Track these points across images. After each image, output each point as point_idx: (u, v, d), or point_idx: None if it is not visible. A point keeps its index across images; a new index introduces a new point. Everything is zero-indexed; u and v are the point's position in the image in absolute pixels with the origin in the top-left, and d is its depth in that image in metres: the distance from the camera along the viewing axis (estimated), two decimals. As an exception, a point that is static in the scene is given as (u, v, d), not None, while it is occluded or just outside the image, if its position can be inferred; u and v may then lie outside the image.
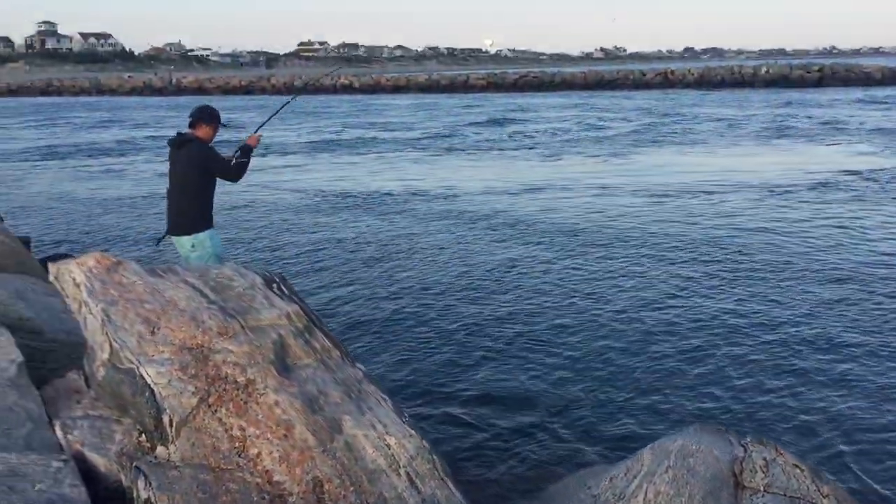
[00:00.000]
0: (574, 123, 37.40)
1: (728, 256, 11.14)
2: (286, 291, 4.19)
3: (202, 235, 6.97)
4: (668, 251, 11.59)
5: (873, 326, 8.08)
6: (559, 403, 6.44)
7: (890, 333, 7.87)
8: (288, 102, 9.17)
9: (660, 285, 9.81)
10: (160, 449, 3.40)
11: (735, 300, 9.09)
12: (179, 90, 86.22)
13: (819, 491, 3.29)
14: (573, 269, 10.74)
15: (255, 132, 7.56)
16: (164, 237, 7.48)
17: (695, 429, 3.69)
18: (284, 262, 11.57)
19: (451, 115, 45.26)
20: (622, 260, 11.16)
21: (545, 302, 9.22)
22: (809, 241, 12.00)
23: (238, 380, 3.51)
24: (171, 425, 3.36)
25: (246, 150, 7.11)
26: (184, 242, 7.01)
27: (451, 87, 78.39)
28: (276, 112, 8.86)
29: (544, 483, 4.42)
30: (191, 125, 7.03)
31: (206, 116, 7.01)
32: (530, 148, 27.83)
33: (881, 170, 19.36)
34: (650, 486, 3.24)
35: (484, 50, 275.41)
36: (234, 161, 7.09)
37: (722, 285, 9.75)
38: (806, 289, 9.48)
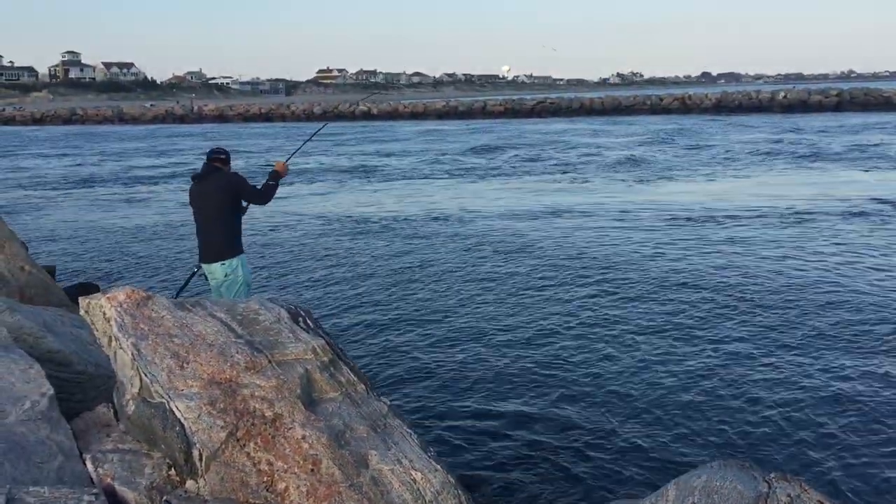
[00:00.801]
0: (593, 149, 37.46)
1: (750, 289, 11.09)
2: (311, 325, 4.25)
3: (234, 262, 7.19)
4: (690, 280, 11.56)
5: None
6: (580, 437, 6.43)
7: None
8: (320, 129, 9.56)
9: (680, 315, 9.79)
10: (190, 483, 3.46)
11: (761, 336, 9.02)
12: (201, 118, 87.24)
13: (845, 527, 3.29)
14: (590, 297, 10.74)
15: (286, 160, 7.85)
16: (195, 273, 7.70)
17: (719, 464, 3.70)
18: (306, 287, 11.67)
19: (468, 142, 45.45)
20: (639, 288, 11.15)
21: (563, 332, 9.23)
22: (831, 272, 11.93)
23: (266, 414, 3.56)
24: (200, 459, 3.41)
25: (275, 176, 7.42)
26: (216, 270, 7.19)
27: (469, 114, 78.75)
28: (310, 138, 9.31)
29: (568, 517, 4.42)
30: (213, 161, 7.29)
31: (228, 156, 7.37)
32: (550, 173, 27.90)
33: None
34: (675, 523, 3.25)
35: (501, 76, 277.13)
36: (262, 185, 7.38)
37: (742, 318, 9.71)
38: (825, 323, 9.43)
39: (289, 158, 8.08)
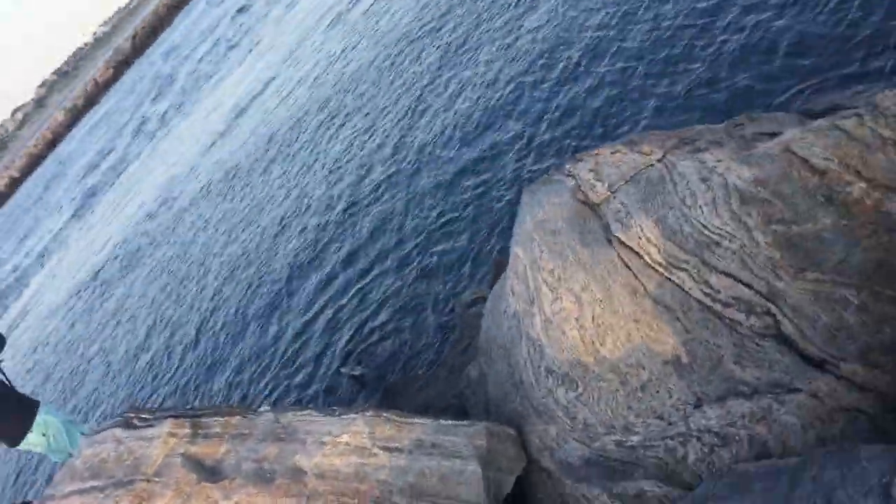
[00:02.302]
0: None
1: None
2: (150, 416, 3.94)
3: (40, 420, 6.47)
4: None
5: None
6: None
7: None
8: None
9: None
10: None
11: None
12: None
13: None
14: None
15: None
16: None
17: (527, 194, 3.74)
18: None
19: None
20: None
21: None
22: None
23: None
24: None
25: None
26: (32, 441, 6.45)
27: None
28: None
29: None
30: None
31: None
32: None
33: None
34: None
35: None
36: None
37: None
38: None
39: None
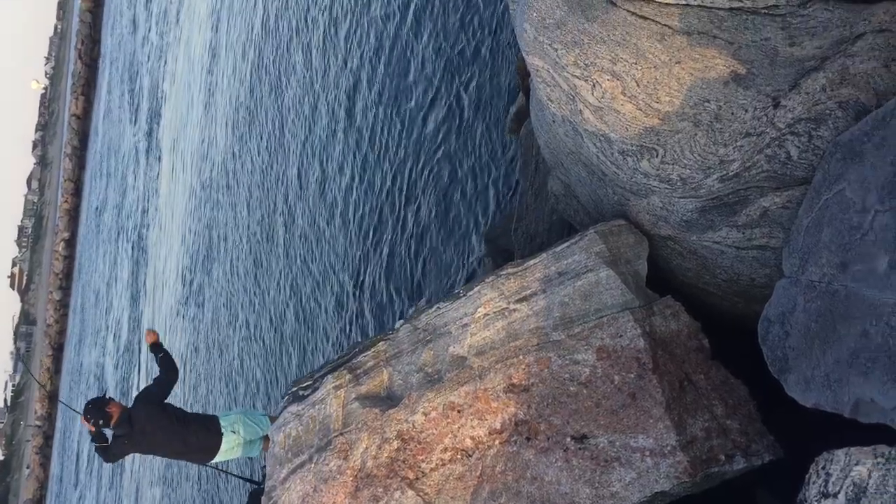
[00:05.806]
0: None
1: None
2: (310, 382, 4.14)
3: (224, 423, 6.87)
4: None
5: None
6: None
7: None
8: None
9: None
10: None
11: None
12: None
13: None
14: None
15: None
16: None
17: None
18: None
19: None
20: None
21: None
22: None
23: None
24: None
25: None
26: (228, 444, 6.86)
27: None
28: None
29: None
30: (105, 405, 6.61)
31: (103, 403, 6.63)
32: None
33: None
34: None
35: None
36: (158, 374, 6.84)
37: None
38: None
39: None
